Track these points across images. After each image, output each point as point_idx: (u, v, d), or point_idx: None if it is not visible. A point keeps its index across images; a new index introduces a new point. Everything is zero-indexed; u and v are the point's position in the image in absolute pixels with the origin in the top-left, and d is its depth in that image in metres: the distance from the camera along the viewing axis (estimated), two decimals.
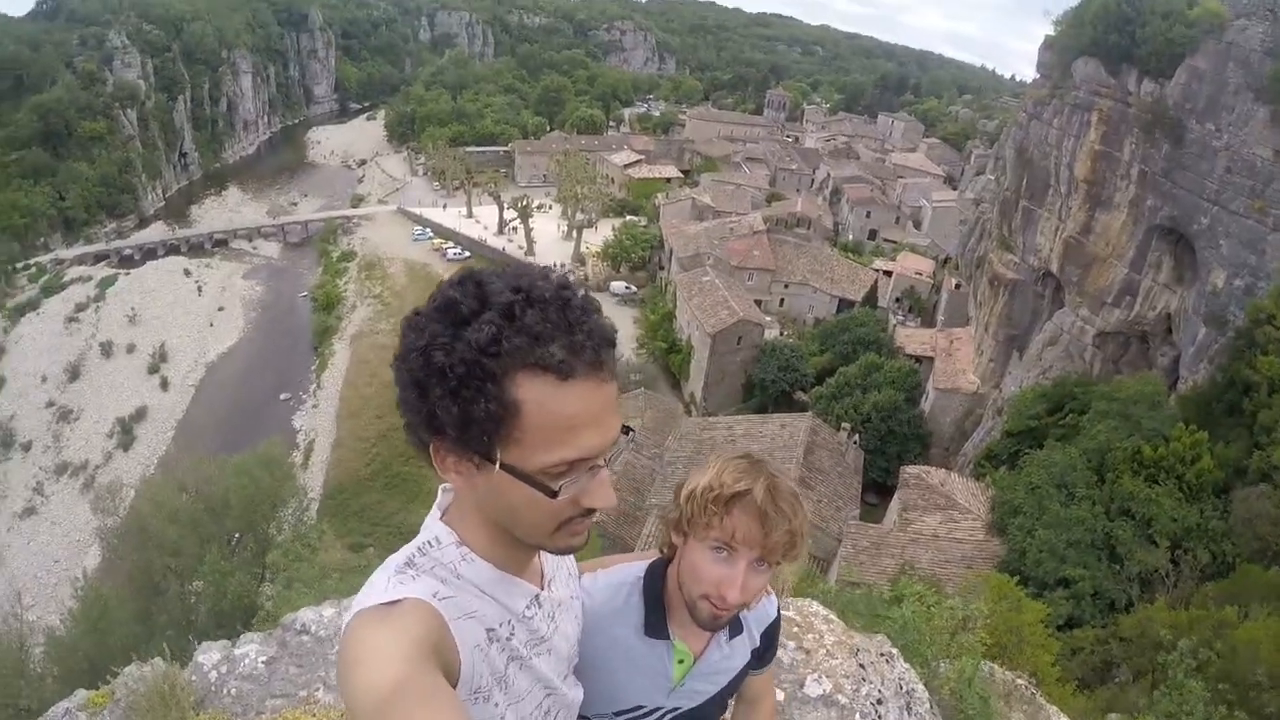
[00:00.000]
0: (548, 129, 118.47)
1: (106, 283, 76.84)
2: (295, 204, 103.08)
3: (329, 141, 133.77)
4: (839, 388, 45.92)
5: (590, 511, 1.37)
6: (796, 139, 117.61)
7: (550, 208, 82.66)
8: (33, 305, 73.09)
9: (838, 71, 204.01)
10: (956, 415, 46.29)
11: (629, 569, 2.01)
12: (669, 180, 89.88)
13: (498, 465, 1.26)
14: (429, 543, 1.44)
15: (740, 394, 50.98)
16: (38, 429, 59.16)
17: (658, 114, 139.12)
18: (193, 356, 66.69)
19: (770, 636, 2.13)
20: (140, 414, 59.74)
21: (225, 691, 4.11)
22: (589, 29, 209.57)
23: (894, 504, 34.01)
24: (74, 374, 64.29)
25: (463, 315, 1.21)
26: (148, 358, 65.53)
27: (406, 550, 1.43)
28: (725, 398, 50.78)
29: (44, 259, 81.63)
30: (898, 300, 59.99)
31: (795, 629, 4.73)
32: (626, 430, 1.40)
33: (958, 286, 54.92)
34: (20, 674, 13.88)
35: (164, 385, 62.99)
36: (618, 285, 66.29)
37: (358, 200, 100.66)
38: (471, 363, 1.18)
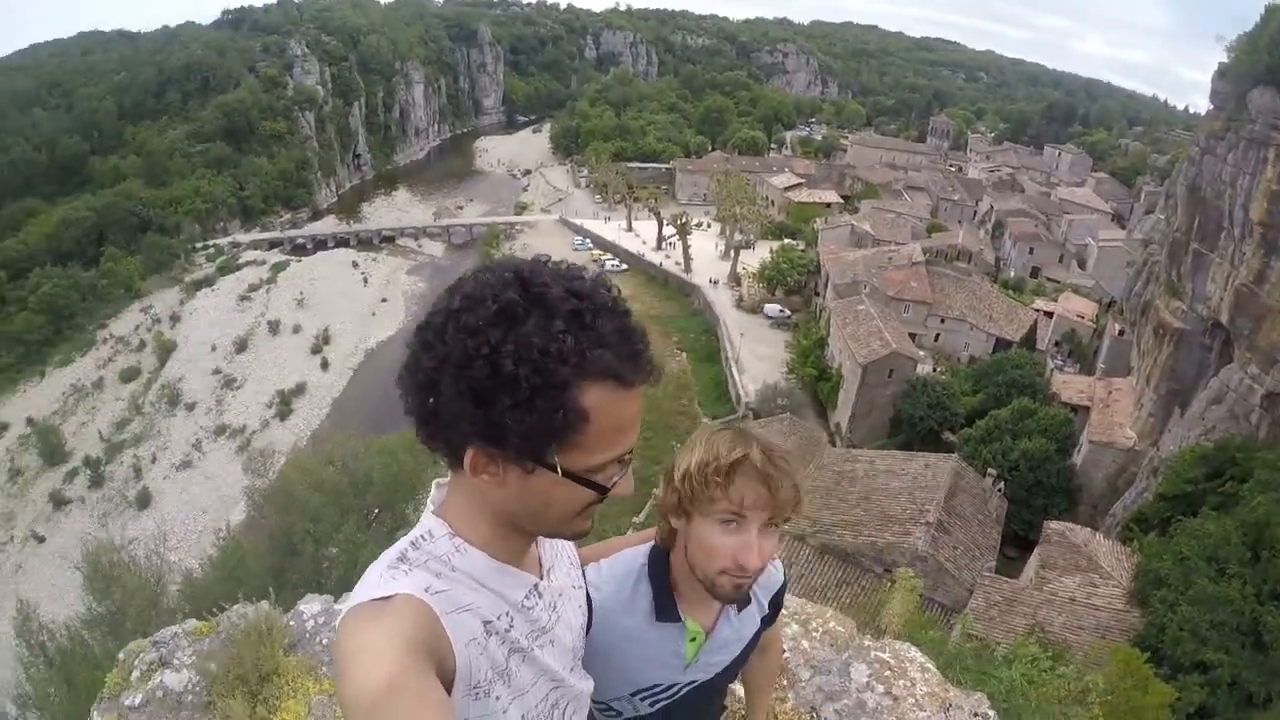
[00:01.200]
0: (709, 148, 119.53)
1: (279, 267, 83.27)
2: (461, 208, 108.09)
3: (495, 151, 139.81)
4: (988, 431, 43.53)
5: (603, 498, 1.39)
6: (959, 168, 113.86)
7: (709, 226, 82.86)
8: (209, 282, 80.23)
9: (1003, 100, 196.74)
10: (1109, 471, 43.16)
11: (631, 556, 2.00)
12: (828, 205, 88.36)
13: (559, 470, 1.26)
14: (422, 536, 1.42)
15: (887, 428, 49.37)
16: (202, 392, 64.83)
17: (819, 138, 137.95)
18: (354, 342, 71.08)
19: (776, 602, 2.14)
20: (299, 389, 64.33)
21: (318, 640, 4.34)
22: (751, 51, 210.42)
23: (1033, 560, 31.89)
24: (241, 347, 69.92)
25: (519, 317, 1.20)
26: (312, 339, 70.47)
27: (400, 545, 1.42)
28: (871, 431, 49.33)
29: (222, 241, 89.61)
30: (1057, 344, 56.62)
31: (887, 673, 4.50)
32: None
33: (1121, 333, 51.25)
34: (154, 605, 15.04)
35: (324, 365, 67.54)
36: (772, 308, 65.48)
37: (521, 208, 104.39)
38: (549, 371, 1.17)
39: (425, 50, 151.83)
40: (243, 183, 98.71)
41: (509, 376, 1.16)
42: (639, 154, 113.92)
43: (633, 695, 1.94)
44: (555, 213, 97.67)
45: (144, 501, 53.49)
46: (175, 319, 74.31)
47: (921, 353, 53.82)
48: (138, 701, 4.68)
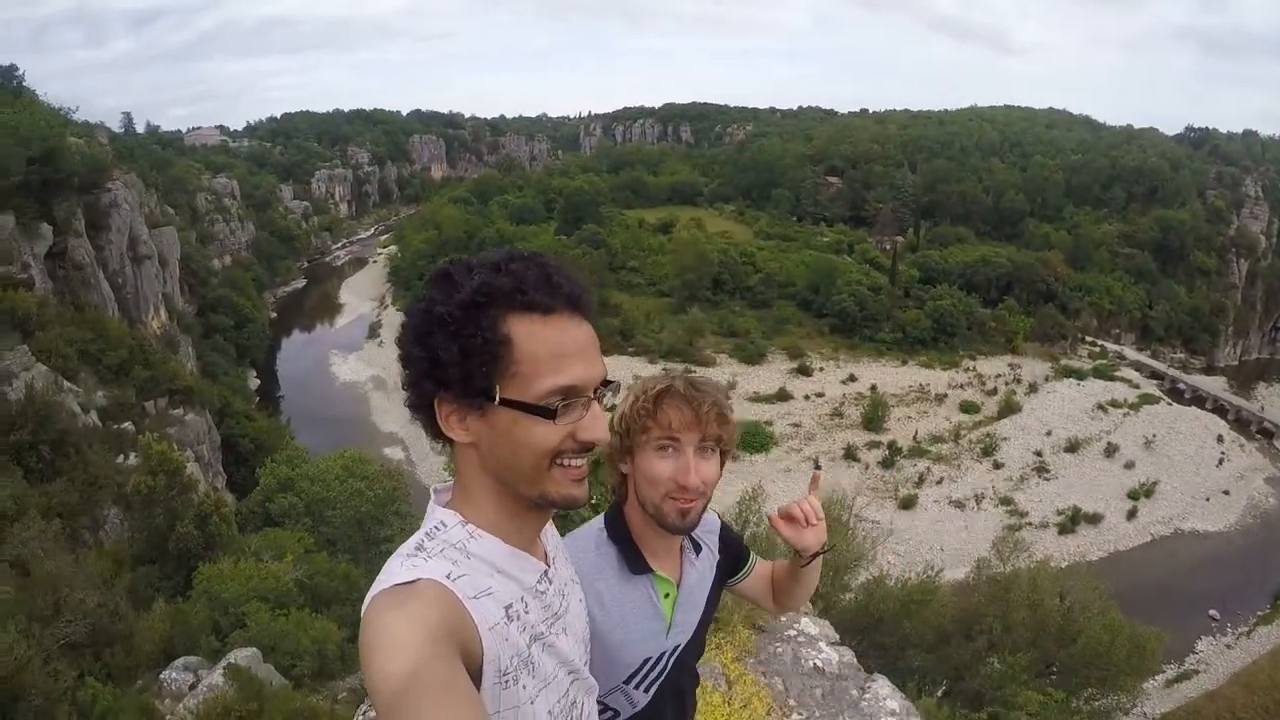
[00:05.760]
0: None
1: (1147, 399, 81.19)
2: None
3: None
4: None
5: (586, 448, 1.43)
6: None
7: None
8: (1078, 374, 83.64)
9: None
10: None
11: (587, 525, 2.13)
12: None
13: (498, 400, 1.34)
14: (436, 527, 1.45)
15: None
16: (1015, 461, 68.40)
17: None
18: (1170, 511, 65.00)
19: (729, 542, 2.30)
20: (1094, 519, 61.58)
21: None
22: None
23: None
24: (1072, 447, 70.82)
25: (455, 281, 1.36)
26: (1138, 484, 66.73)
27: (415, 537, 1.44)
28: None
29: (1110, 346, 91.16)
30: None
31: None
32: (609, 381, 1.50)
33: None
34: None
35: (1130, 515, 63.05)
36: None
37: None
38: (467, 305, 1.32)
39: None
40: (1153, 302, 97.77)
41: (439, 317, 1.32)
42: None
43: (626, 683, 2.00)
44: None
45: (907, 504, 59.88)
46: (1033, 388, 79.88)
47: None
48: None
